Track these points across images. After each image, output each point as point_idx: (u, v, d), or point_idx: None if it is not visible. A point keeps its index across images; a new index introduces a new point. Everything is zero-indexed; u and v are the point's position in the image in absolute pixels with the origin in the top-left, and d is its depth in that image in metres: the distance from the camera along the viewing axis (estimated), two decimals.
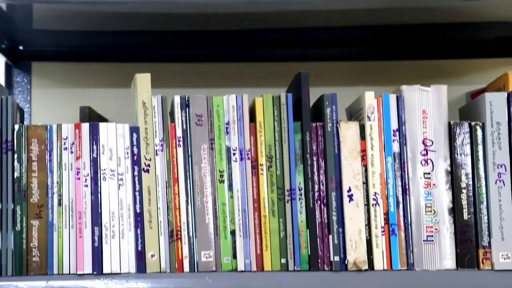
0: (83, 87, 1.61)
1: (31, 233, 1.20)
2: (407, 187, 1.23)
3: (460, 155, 1.23)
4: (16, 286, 1.18)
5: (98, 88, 1.61)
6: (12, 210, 1.20)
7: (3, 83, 1.58)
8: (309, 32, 1.60)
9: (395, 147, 1.24)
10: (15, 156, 1.21)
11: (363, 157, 1.24)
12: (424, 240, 1.22)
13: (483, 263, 1.21)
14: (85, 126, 1.22)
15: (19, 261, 1.20)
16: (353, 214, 1.23)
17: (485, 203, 1.22)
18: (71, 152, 1.22)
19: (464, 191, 1.23)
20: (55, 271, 1.20)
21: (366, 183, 1.23)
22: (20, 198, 1.21)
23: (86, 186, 1.22)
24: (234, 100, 1.24)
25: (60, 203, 1.21)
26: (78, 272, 1.20)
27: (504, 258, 1.21)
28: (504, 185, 1.22)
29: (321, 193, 1.23)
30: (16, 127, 1.21)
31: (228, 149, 1.24)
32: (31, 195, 1.21)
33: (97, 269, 1.20)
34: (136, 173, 1.23)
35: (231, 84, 1.61)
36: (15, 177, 1.21)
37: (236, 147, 1.24)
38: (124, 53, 1.60)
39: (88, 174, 1.22)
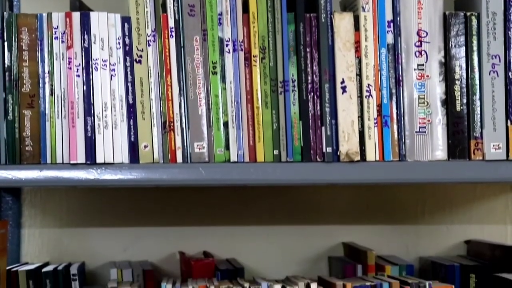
0: None
1: (24, 123, 1.20)
2: (400, 78, 1.23)
3: (455, 46, 1.23)
4: (10, 175, 1.19)
5: None
6: (3, 99, 1.19)
7: None
8: None
9: (389, 38, 1.23)
10: (5, 44, 1.19)
11: (357, 49, 1.23)
12: (416, 132, 1.23)
13: (474, 153, 1.22)
14: (76, 15, 1.21)
15: (12, 150, 1.20)
16: (346, 106, 1.23)
17: (478, 94, 1.22)
18: (62, 41, 1.21)
19: (458, 82, 1.23)
20: (48, 161, 1.20)
21: (359, 74, 1.23)
22: (11, 87, 1.20)
23: (78, 76, 1.21)
24: None
25: (52, 93, 1.21)
26: (71, 162, 1.20)
27: (495, 149, 1.21)
28: (498, 76, 1.21)
29: (314, 84, 1.23)
30: (6, 15, 1.19)
31: (221, 40, 1.23)
32: (23, 84, 1.20)
33: (90, 159, 1.20)
34: (128, 63, 1.22)
35: None
36: (6, 66, 1.20)
37: (229, 38, 1.23)
38: None
39: (79, 64, 1.21)
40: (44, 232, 1.60)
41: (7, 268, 1.41)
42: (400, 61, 1.23)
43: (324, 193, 1.64)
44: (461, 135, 1.22)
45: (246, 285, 1.24)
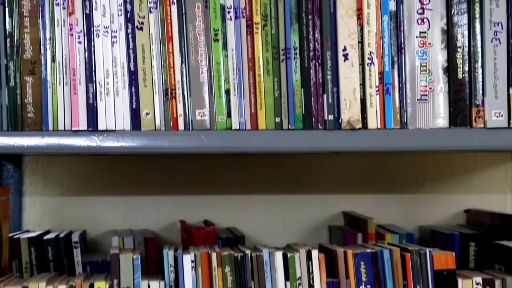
0: None
1: (25, 89, 1.20)
2: (402, 46, 1.23)
3: (457, 13, 1.22)
4: (12, 141, 1.19)
5: None
6: (5, 65, 1.19)
7: None
8: None
9: (392, 6, 1.23)
10: (6, 10, 1.19)
11: (359, 16, 1.22)
12: (418, 99, 1.23)
13: (475, 121, 1.22)
14: None
15: (13, 117, 1.20)
16: (348, 74, 1.22)
17: (480, 62, 1.22)
18: (63, 8, 1.20)
19: (460, 50, 1.23)
20: (50, 128, 1.20)
21: (361, 42, 1.23)
22: (12, 54, 1.20)
23: (80, 42, 1.20)
24: None
25: (53, 60, 1.20)
26: (73, 129, 1.20)
27: (497, 116, 1.22)
28: (500, 43, 1.21)
29: (316, 52, 1.23)
30: None
31: (223, 7, 1.22)
32: (24, 51, 1.20)
33: (92, 126, 1.21)
34: (129, 30, 1.21)
35: None
36: (7, 32, 1.19)
37: (230, 5, 1.22)
38: None
39: (81, 31, 1.20)
40: (46, 200, 1.60)
41: (9, 235, 1.41)
42: (402, 28, 1.23)
43: (325, 162, 1.64)
44: (462, 102, 1.22)
45: (248, 251, 1.25)
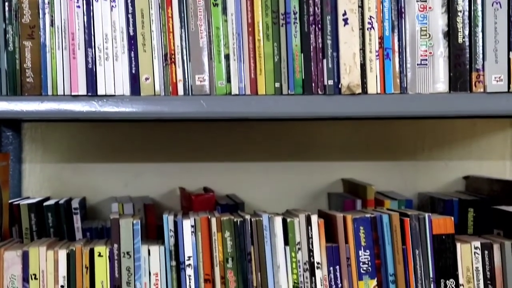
0: None
1: (24, 54, 1.19)
2: (402, 10, 1.22)
3: None
4: (11, 106, 1.18)
5: None
6: (3, 29, 1.19)
7: None
8: None
9: None
10: None
11: None
12: (417, 64, 1.23)
13: (475, 86, 1.22)
14: None
15: (13, 82, 1.19)
16: (348, 38, 1.22)
17: (480, 26, 1.22)
18: None
19: (460, 14, 1.22)
20: (49, 92, 1.20)
21: (361, 6, 1.22)
22: (11, 18, 1.19)
23: (78, 7, 1.20)
24: None
25: (52, 24, 1.20)
26: (72, 94, 1.20)
27: (497, 81, 1.21)
28: (501, 7, 1.21)
29: (316, 16, 1.22)
30: None
31: None
32: (23, 15, 1.19)
33: (91, 91, 1.20)
34: None
35: None
36: None
37: None
38: None
39: None
40: (45, 167, 1.61)
41: (9, 201, 1.42)
42: None
43: (324, 129, 1.65)
44: (462, 67, 1.22)
45: (247, 217, 1.25)
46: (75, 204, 1.45)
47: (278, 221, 1.25)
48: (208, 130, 1.63)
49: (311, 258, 1.25)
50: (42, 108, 1.19)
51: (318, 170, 1.65)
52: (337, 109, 1.23)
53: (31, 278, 1.19)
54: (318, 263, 1.25)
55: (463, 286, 1.24)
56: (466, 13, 1.22)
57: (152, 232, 1.48)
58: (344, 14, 1.22)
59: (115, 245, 1.22)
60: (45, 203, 1.45)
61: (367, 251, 1.25)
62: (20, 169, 1.60)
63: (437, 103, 1.22)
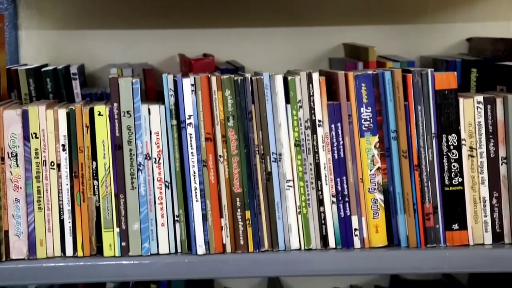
0: None
1: None
2: None
3: None
4: None
5: None
6: None
7: None
8: None
9: None
10: None
11: None
12: None
13: None
14: None
15: None
16: None
17: None
18: None
19: None
20: None
21: None
22: None
23: None
24: None
25: None
26: None
27: None
28: None
29: None
30: None
31: None
32: None
33: None
34: None
35: None
36: None
37: None
38: None
39: None
40: (42, 34, 1.58)
41: (7, 67, 1.40)
42: None
43: None
44: None
45: (248, 75, 1.24)
46: (73, 69, 1.44)
47: (279, 79, 1.24)
48: None
49: (313, 116, 1.24)
50: None
51: (319, 35, 1.62)
52: None
53: (32, 137, 1.18)
54: (319, 120, 1.24)
55: (464, 140, 1.24)
56: None
57: (151, 97, 1.48)
58: None
59: (115, 104, 1.21)
60: (43, 69, 1.43)
61: (369, 108, 1.24)
62: (16, 36, 1.57)
63: None
